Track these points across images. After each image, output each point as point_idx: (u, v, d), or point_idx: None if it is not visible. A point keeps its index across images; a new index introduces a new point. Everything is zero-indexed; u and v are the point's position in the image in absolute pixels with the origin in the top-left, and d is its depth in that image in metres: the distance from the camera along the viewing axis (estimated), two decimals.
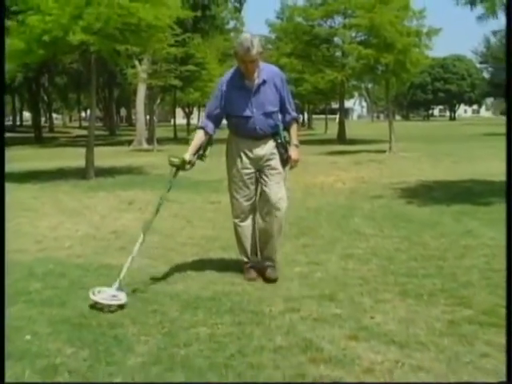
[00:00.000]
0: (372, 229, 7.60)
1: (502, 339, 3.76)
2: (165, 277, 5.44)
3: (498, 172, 12.82)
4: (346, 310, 4.43)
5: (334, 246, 6.64)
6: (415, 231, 7.38)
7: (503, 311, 4.27)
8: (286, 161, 5.31)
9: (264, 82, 5.16)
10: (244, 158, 5.28)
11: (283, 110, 5.32)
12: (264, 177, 5.27)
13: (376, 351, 3.67)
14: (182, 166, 5.13)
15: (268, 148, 5.28)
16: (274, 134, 5.27)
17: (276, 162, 5.28)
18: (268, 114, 5.20)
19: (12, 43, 13.29)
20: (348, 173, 15.37)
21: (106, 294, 4.54)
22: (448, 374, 3.32)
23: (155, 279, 5.37)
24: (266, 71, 5.21)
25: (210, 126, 5.25)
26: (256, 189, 5.36)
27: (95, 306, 4.47)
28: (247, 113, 5.17)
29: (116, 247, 6.78)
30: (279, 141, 5.27)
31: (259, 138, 5.24)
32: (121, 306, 4.48)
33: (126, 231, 7.74)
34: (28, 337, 3.96)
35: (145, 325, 4.16)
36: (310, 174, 13.74)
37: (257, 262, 5.43)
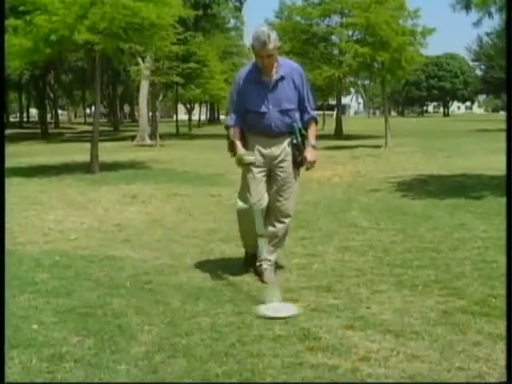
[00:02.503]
0: (368, 222, 7.69)
1: (494, 329, 3.85)
2: (168, 268, 5.53)
3: (491, 166, 12.96)
4: (342, 301, 4.50)
5: (331, 239, 6.73)
6: (410, 224, 7.48)
7: (495, 301, 4.37)
8: (299, 163, 5.09)
9: (282, 77, 4.94)
10: (258, 155, 5.03)
11: (301, 108, 5.08)
12: (276, 181, 5.09)
13: (372, 340, 3.73)
14: (255, 161, 4.96)
15: (283, 148, 5.06)
16: (290, 133, 5.04)
17: (289, 164, 5.07)
18: (284, 112, 4.98)
19: (19, 42, 13.43)
20: (345, 167, 15.45)
21: (277, 308, 4.28)
22: (442, 362, 3.38)
23: (158, 270, 5.46)
24: (285, 67, 4.99)
25: (239, 120, 5.06)
26: (269, 187, 5.13)
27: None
28: (263, 109, 4.96)
29: (120, 239, 6.88)
30: (294, 141, 5.04)
31: (274, 135, 5.03)
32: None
33: (130, 224, 7.85)
34: (35, 326, 4.02)
35: (148, 315, 4.23)
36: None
37: (272, 263, 5.19)
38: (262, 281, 5.02)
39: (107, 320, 4.13)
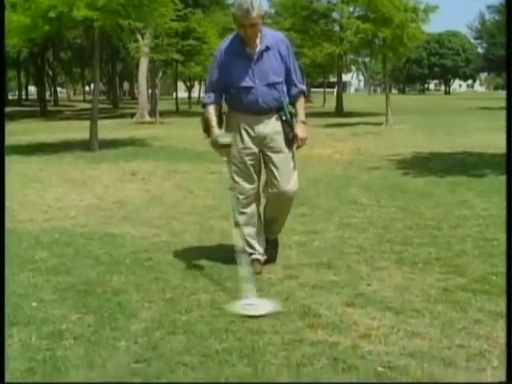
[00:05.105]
0: (369, 199, 7.69)
1: (495, 306, 3.85)
2: (167, 245, 5.53)
3: (492, 144, 12.94)
4: (343, 278, 4.50)
5: (331, 216, 6.73)
6: (411, 201, 7.48)
7: (495, 279, 4.37)
8: (292, 140, 4.69)
9: (267, 48, 4.54)
10: (245, 136, 4.65)
11: (289, 81, 4.68)
12: (269, 161, 4.69)
13: (372, 317, 3.73)
14: (232, 142, 4.56)
15: (272, 126, 4.65)
16: (278, 109, 4.65)
17: (280, 142, 4.66)
18: (272, 85, 4.57)
19: (18, 19, 13.37)
20: (345, 144, 15.44)
21: (255, 305, 3.92)
22: (442, 339, 3.38)
23: (158, 247, 5.46)
24: (269, 37, 4.59)
25: (217, 98, 4.66)
26: (259, 171, 4.79)
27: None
28: (248, 83, 4.55)
29: (119, 217, 6.88)
30: (284, 118, 4.64)
31: (262, 112, 4.61)
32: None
33: (129, 201, 7.86)
34: (34, 303, 4.03)
35: (148, 292, 4.24)
36: (308, 146, 13.76)
37: (262, 254, 4.83)
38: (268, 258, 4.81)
39: (107, 297, 4.13)
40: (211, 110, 4.64)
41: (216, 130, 4.57)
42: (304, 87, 4.88)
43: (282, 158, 4.69)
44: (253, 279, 4.20)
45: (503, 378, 2.91)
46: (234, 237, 4.56)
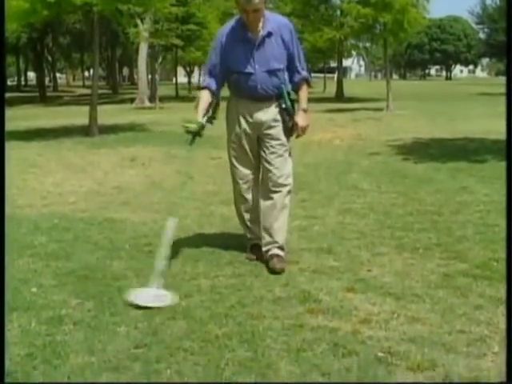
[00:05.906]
0: (369, 184, 7.68)
1: (495, 292, 3.84)
2: None
3: (493, 130, 12.89)
4: (343, 263, 4.50)
5: (331, 201, 6.73)
6: (411, 187, 7.46)
7: (496, 265, 4.36)
8: (291, 129, 4.58)
9: (269, 33, 4.40)
10: (243, 121, 4.56)
11: (291, 67, 4.53)
12: (265, 149, 4.56)
13: (372, 303, 3.73)
14: (200, 131, 4.41)
15: (271, 113, 4.53)
16: (278, 97, 4.51)
17: (278, 130, 4.54)
18: (272, 72, 4.43)
19: (17, 4, 13.30)
20: (346, 130, 15.40)
21: (147, 295, 3.86)
22: (443, 325, 3.38)
23: (158, 233, 5.43)
24: (272, 22, 4.44)
25: (214, 84, 4.51)
26: (258, 156, 4.63)
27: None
28: (248, 69, 4.42)
29: (119, 202, 6.88)
30: (283, 106, 4.51)
31: (261, 99, 4.49)
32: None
33: (129, 186, 7.85)
34: (34, 289, 4.02)
35: (148, 277, 4.16)
36: (308, 131, 13.78)
37: (260, 238, 4.70)
38: (269, 268, 4.45)
39: (107, 282, 4.13)
40: (203, 94, 4.52)
41: (198, 116, 4.44)
42: (306, 74, 4.69)
43: (277, 147, 4.55)
44: (163, 273, 4.07)
45: (503, 366, 2.90)
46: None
